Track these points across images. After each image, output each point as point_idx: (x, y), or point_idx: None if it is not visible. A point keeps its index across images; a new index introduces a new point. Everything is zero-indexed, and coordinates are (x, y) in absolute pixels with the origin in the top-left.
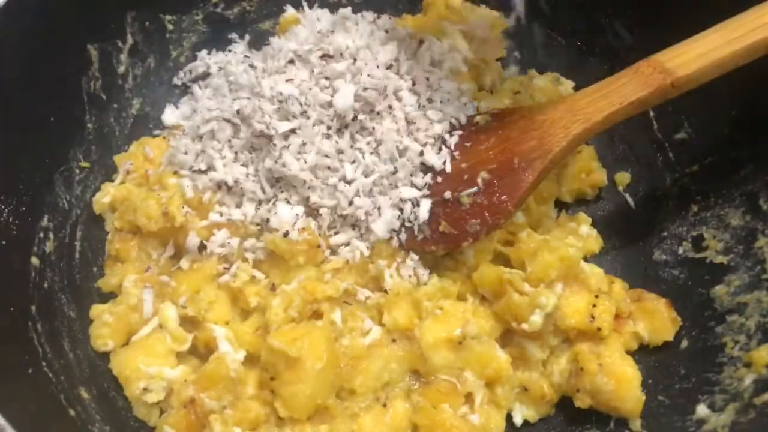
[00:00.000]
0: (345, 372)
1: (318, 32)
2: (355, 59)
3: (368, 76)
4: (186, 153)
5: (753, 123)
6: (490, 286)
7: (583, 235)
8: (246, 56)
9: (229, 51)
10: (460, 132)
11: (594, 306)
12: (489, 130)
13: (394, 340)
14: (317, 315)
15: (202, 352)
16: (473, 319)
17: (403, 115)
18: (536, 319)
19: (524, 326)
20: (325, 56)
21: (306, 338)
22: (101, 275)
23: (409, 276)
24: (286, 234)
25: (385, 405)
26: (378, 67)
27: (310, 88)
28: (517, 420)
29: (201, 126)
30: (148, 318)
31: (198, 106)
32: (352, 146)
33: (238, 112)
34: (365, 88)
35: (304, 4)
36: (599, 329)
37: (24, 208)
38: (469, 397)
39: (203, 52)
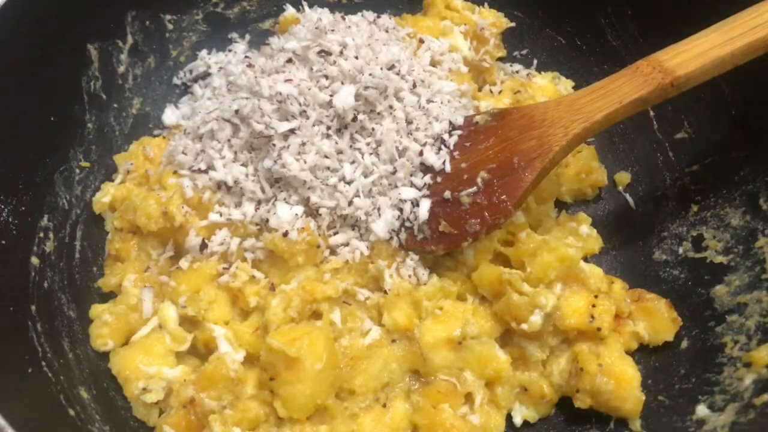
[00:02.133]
0: (345, 372)
1: (316, 28)
2: (357, 57)
3: (369, 75)
4: (185, 153)
5: (753, 123)
6: (489, 286)
7: (583, 235)
8: (246, 56)
9: (229, 51)
10: (459, 132)
11: (594, 306)
12: (488, 130)
13: (393, 341)
14: (316, 315)
15: (201, 352)
16: (473, 319)
17: (404, 116)
18: (536, 319)
19: (524, 326)
20: (323, 52)
21: (305, 338)
22: (101, 275)
23: (409, 276)
24: (285, 234)
25: (384, 405)
26: (381, 68)
27: (310, 88)
28: (517, 420)
29: (201, 126)
30: (148, 318)
31: (198, 105)
32: (351, 146)
33: (237, 112)
34: (366, 87)
35: (304, 3)
36: (599, 329)
37: (24, 208)
38: (469, 397)
39: (203, 52)
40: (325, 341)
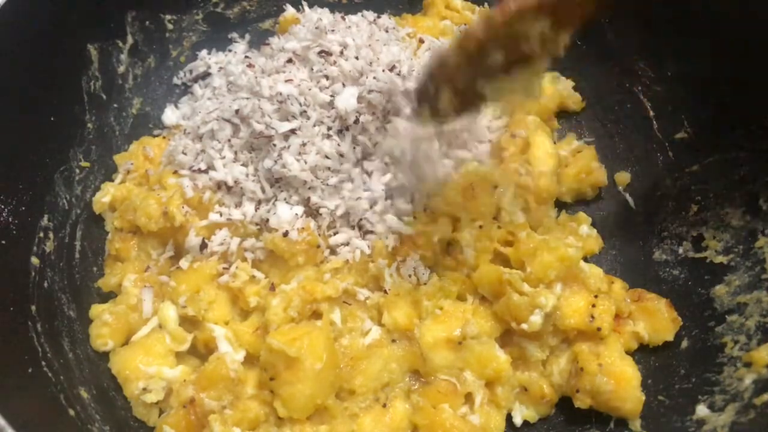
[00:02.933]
0: (345, 372)
1: (316, 28)
2: (357, 57)
3: (374, 78)
4: (185, 153)
5: (753, 123)
6: (490, 286)
7: (582, 235)
8: (246, 56)
9: (229, 51)
10: None
11: (594, 306)
12: None
13: (393, 341)
14: (317, 315)
15: (201, 352)
16: (473, 319)
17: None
18: (536, 319)
19: (524, 326)
20: (323, 53)
21: (305, 338)
22: (101, 275)
23: (410, 276)
24: (285, 234)
25: (384, 405)
26: (383, 69)
27: (310, 89)
28: (517, 420)
29: (201, 126)
30: (148, 318)
31: (198, 105)
32: (354, 148)
33: (237, 112)
34: (370, 91)
35: (304, 3)
36: (599, 329)
37: (24, 208)
38: (469, 397)
39: (203, 52)
40: (325, 341)
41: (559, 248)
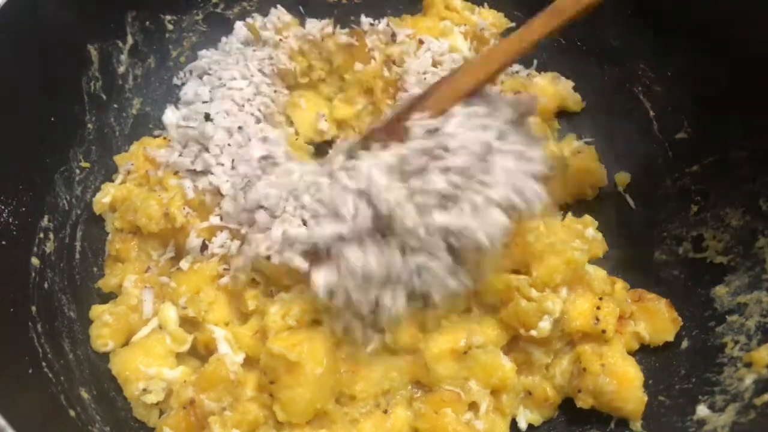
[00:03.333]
0: (345, 377)
1: None
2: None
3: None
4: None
5: (753, 123)
6: (497, 294)
7: (589, 237)
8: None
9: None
10: None
11: (598, 308)
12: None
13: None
14: (316, 323)
15: (201, 353)
16: (479, 328)
17: None
18: (545, 325)
19: (533, 332)
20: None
21: (306, 343)
22: (101, 275)
23: None
24: (268, 258)
25: (386, 411)
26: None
27: None
28: (522, 425)
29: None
30: (148, 318)
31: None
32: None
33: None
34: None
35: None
36: (604, 331)
37: (24, 208)
38: (473, 406)
39: (203, 52)
40: (325, 346)
41: (565, 251)
